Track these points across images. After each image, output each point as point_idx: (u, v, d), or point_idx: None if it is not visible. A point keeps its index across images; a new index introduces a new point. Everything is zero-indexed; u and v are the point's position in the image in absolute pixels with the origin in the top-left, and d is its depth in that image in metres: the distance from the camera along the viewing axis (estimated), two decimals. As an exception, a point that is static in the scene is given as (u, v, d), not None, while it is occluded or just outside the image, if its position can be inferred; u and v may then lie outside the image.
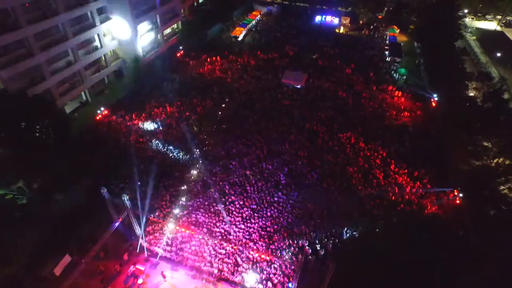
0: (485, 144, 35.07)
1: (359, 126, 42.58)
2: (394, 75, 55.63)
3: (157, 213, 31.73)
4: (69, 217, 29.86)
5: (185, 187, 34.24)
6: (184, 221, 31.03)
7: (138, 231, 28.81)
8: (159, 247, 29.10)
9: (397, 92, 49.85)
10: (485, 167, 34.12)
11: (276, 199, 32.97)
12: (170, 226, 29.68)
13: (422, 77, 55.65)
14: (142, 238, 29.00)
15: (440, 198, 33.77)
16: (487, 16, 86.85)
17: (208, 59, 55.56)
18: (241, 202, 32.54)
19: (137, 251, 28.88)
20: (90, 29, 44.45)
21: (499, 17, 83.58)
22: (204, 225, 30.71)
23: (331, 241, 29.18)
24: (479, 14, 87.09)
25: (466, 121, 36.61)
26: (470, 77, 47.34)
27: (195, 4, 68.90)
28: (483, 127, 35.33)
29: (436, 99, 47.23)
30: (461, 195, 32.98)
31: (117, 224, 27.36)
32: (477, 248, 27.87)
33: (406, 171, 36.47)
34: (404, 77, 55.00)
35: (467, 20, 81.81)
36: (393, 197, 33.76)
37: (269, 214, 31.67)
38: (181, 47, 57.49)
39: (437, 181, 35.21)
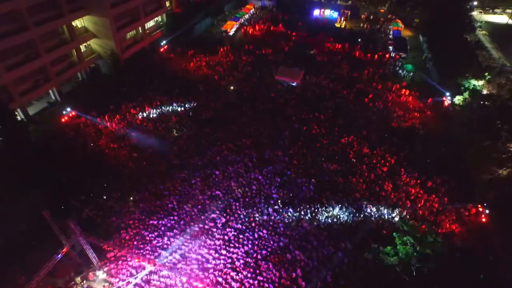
0: (513, 150, 29.63)
1: (362, 128, 37.39)
2: (400, 71, 50.41)
3: (122, 234, 26.49)
4: (13, 243, 24.53)
5: (158, 202, 28.86)
6: (153, 246, 25.71)
7: (95, 259, 23.47)
8: (121, 279, 23.75)
9: (404, 90, 44.67)
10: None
11: (265, 217, 27.60)
12: (134, 254, 24.35)
13: (430, 73, 50.37)
14: (99, 268, 23.69)
15: (461, 215, 28.48)
16: (496, 10, 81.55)
17: (196, 55, 50.42)
18: (224, 221, 27.21)
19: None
20: (57, 19, 39.02)
21: (509, 10, 78.23)
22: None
23: (330, 272, 23.80)
24: (487, 8, 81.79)
25: (489, 122, 31.23)
26: (491, 71, 41.65)
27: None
28: (510, 130, 29.92)
29: (448, 97, 42.00)
30: (487, 211, 27.70)
31: (61, 253, 21.93)
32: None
33: (418, 181, 31.23)
34: (411, 73, 49.74)
35: (475, 13, 76.49)
36: (405, 213, 28.56)
37: (256, 235, 26.35)
38: (165, 42, 52.17)
39: (455, 194, 29.95)
